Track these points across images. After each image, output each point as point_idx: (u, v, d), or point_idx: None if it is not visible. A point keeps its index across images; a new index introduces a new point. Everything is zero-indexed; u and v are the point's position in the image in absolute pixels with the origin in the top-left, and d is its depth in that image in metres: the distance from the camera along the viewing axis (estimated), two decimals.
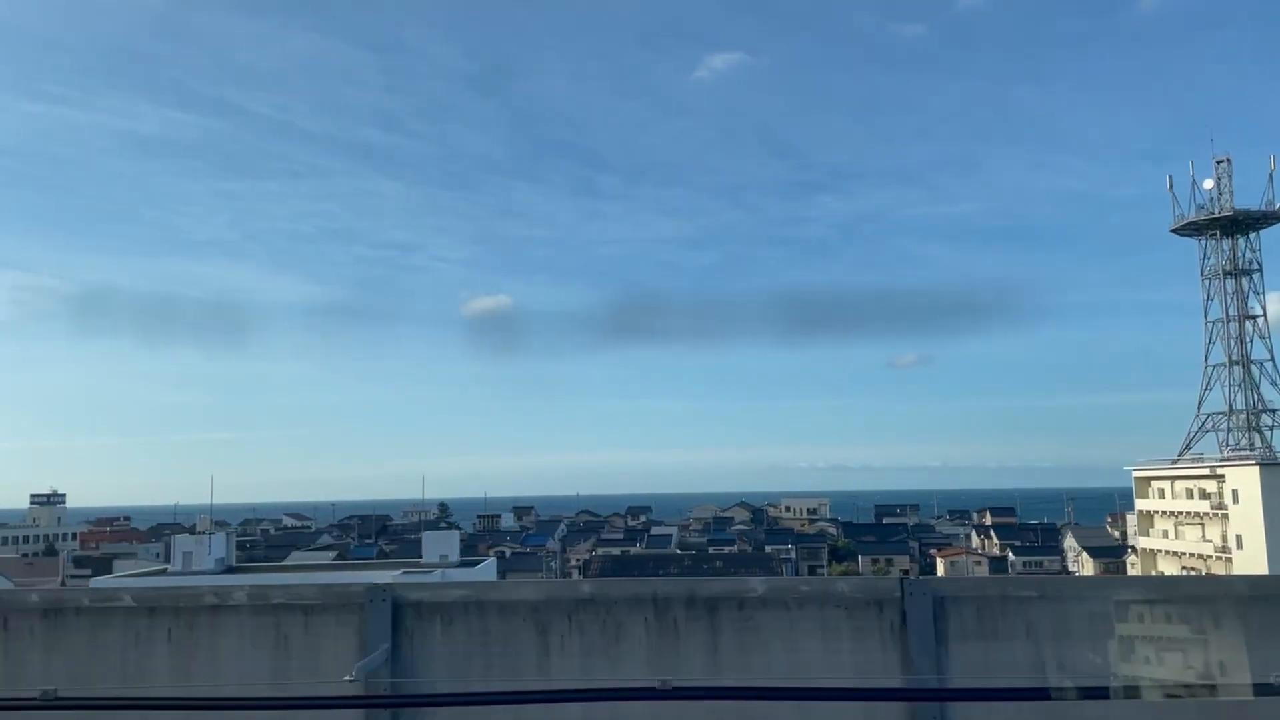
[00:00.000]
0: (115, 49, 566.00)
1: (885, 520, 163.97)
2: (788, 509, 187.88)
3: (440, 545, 60.51)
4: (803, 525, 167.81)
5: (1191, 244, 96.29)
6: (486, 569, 56.63)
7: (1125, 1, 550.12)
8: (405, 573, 51.08)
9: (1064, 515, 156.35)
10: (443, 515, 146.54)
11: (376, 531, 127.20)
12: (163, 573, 57.97)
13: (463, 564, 59.04)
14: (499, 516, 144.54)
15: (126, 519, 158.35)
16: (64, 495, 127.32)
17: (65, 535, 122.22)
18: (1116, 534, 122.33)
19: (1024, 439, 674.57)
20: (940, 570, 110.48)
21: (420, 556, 62.13)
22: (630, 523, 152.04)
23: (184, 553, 57.88)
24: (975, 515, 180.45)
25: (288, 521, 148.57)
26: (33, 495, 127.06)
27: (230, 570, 56.81)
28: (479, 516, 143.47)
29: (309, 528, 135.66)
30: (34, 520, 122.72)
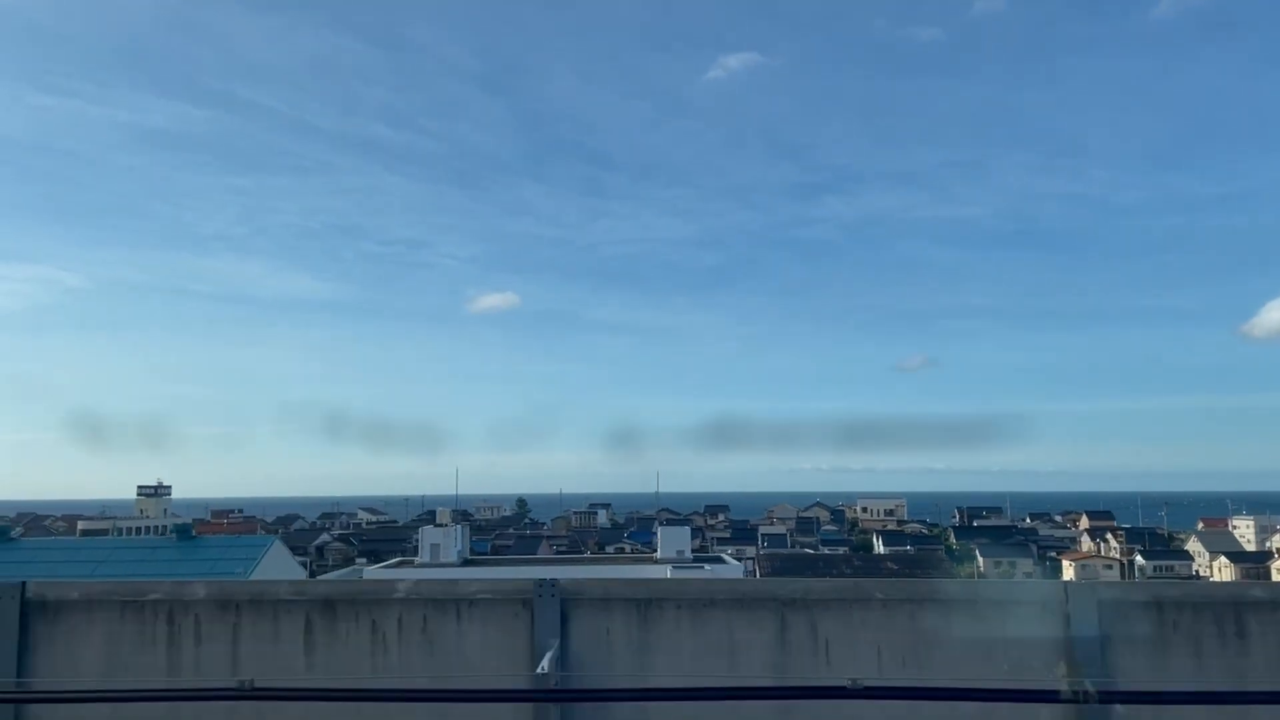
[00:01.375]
0: (125, 43, 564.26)
1: (975, 523, 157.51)
2: (864, 509, 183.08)
3: (674, 541, 59.12)
4: (886, 526, 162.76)
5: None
6: (732, 569, 51.07)
7: (1137, 6, 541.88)
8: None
9: (1145, 519, 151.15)
10: (522, 511, 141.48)
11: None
12: (410, 564, 57.19)
13: (697, 560, 55.06)
14: (595, 513, 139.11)
15: (240, 511, 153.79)
16: (170, 487, 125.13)
17: (158, 527, 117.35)
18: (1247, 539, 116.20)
19: (1029, 442, 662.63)
20: (1068, 574, 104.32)
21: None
22: (710, 521, 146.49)
23: (432, 544, 58.14)
24: (1059, 518, 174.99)
25: (363, 516, 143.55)
26: (140, 487, 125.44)
27: (467, 563, 56.19)
28: (574, 513, 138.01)
29: (395, 522, 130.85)
30: (141, 512, 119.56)
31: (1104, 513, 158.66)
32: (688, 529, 66.84)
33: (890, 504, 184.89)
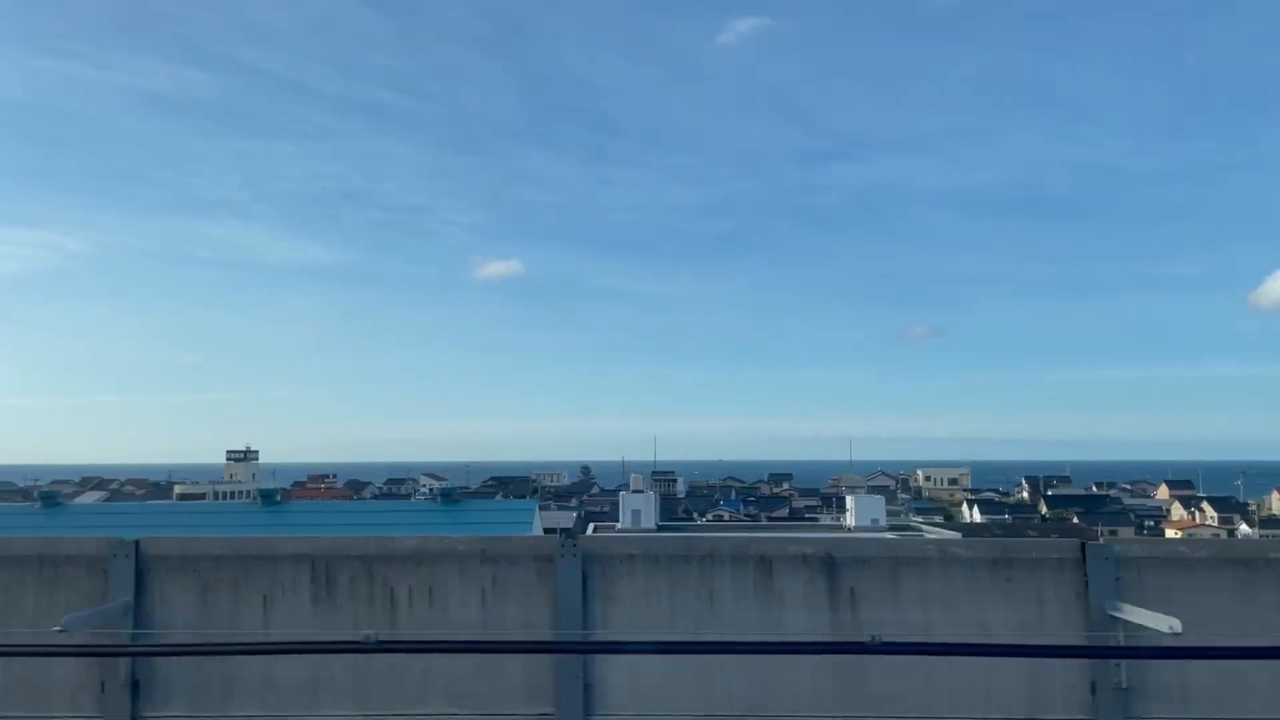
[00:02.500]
0: (125, 5, 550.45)
1: (1049, 491, 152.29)
2: (927, 478, 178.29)
3: (869, 509, 57.82)
4: (954, 495, 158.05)
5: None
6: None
7: None
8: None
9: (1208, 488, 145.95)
10: (588, 479, 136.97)
11: (530, 494, 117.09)
12: (612, 529, 55.65)
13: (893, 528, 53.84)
14: (675, 480, 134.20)
15: (334, 476, 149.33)
16: (257, 452, 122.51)
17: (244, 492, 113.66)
18: None
19: (1033, 411, 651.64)
20: None
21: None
22: (774, 490, 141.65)
23: (633, 510, 58.29)
24: (1128, 486, 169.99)
25: (426, 481, 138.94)
26: (229, 452, 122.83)
27: (659, 529, 55.50)
28: (654, 477, 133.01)
29: (467, 488, 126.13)
30: (231, 476, 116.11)
31: (1184, 482, 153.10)
32: (881, 498, 63.49)
33: (954, 472, 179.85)
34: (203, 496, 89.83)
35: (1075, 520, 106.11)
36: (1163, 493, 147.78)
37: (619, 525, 56.81)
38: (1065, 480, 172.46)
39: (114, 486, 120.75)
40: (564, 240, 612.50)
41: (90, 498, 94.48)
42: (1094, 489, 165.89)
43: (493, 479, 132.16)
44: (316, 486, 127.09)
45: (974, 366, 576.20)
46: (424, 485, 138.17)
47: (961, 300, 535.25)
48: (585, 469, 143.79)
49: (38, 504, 34.86)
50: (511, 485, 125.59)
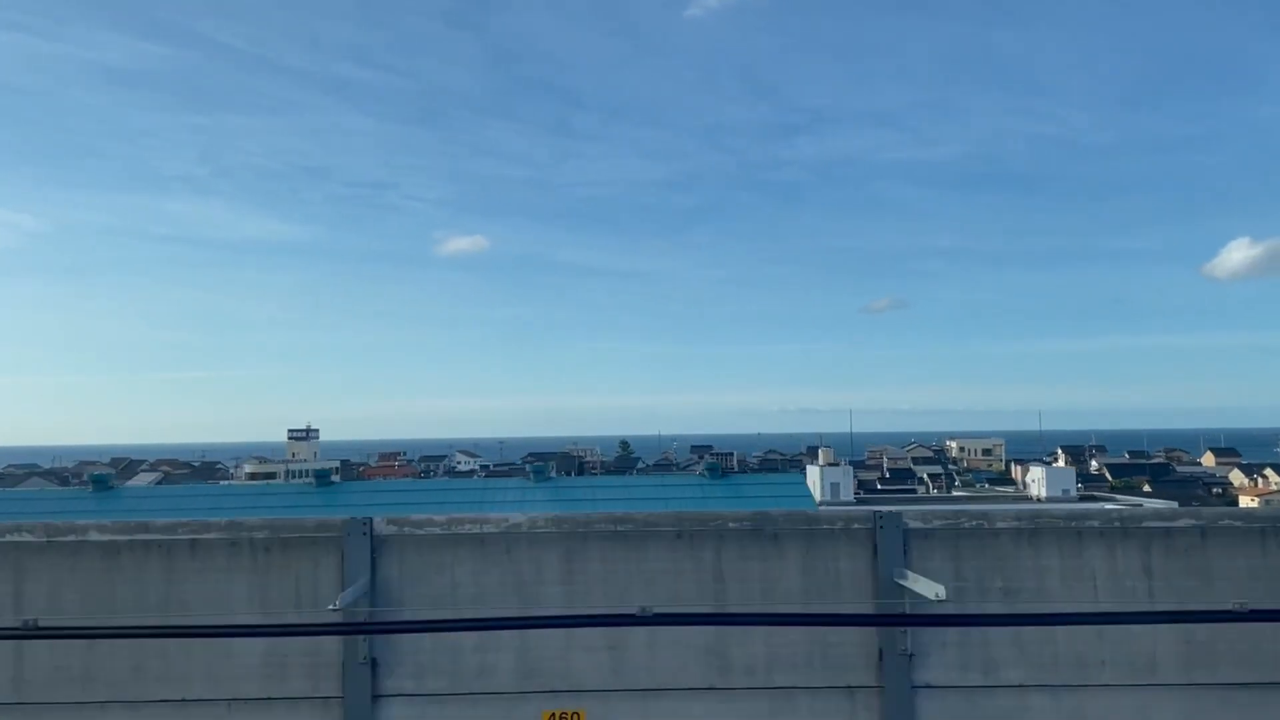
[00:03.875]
0: None
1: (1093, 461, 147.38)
2: (962, 449, 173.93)
3: (1059, 480, 58.11)
4: (991, 465, 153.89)
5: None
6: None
7: None
8: None
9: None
10: (626, 452, 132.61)
11: (576, 470, 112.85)
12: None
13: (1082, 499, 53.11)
14: (731, 454, 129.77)
15: (404, 454, 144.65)
16: (318, 430, 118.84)
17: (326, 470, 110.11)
18: None
19: (1004, 383, 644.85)
20: None
21: None
22: (808, 463, 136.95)
23: (831, 484, 59.10)
24: (1162, 453, 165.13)
25: (461, 459, 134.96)
26: (290, 430, 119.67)
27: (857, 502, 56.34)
28: (714, 453, 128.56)
29: (497, 466, 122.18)
30: (293, 455, 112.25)
31: (1229, 449, 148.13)
32: (1071, 469, 64.71)
33: (988, 443, 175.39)
34: (273, 476, 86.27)
35: (1148, 489, 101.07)
36: (1209, 460, 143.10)
37: (819, 498, 54.67)
38: (1101, 450, 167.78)
39: (144, 468, 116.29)
40: (529, 215, 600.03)
41: (144, 480, 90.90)
42: (1127, 456, 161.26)
43: (531, 455, 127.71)
44: (388, 465, 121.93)
45: (938, 339, 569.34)
46: (460, 462, 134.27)
47: (924, 273, 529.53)
48: (624, 444, 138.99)
49: (89, 487, 31.45)
50: (550, 461, 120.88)
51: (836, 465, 63.27)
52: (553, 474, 37.92)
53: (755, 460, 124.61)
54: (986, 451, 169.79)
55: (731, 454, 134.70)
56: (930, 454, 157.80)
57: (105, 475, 36.46)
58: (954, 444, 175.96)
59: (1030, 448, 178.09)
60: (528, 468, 39.11)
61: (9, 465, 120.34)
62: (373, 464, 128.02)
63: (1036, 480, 54.14)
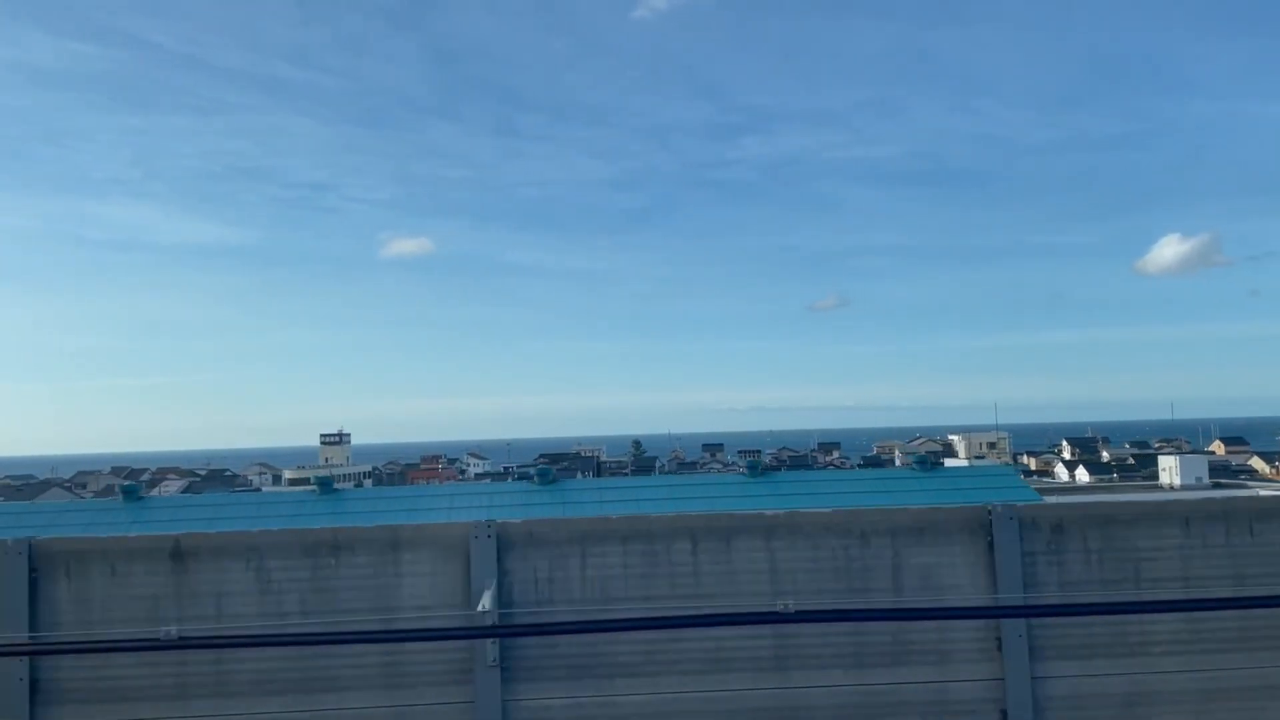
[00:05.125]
0: None
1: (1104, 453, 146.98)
2: (967, 443, 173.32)
3: (1193, 469, 57.38)
4: (1000, 459, 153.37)
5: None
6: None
7: None
8: None
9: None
10: (638, 452, 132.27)
11: (594, 470, 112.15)
12: None
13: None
14: (758, 451, 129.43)
15: (444, 455, 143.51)
16: (349, 434, 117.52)
17: (358, 474, 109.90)
18: None
19: (951, 378, 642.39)
20: None
21: None
22: (824, 459, 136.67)
23: (1196, 476, 56.62)
24: (1161, 443, 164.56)
25: (470, 460, 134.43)
26: (323, 435, 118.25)
27: None
28: (740, 452, 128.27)
29: (517, 466, 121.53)
30: (326, 460, 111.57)
31: (1237, 438, 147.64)
32: (1204, 458, 64.02)
33: (992, 437, 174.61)
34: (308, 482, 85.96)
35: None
36: (1219, 448, 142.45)
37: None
38: (1104, 440, 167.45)
39: (145, 477, 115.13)
40: (475, 216, 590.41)
41: (173, 488, 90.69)
42: (1127, 447, 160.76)
43: (543, 455, 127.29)
44: (431, 468, 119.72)
45: (880, 336, 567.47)
46: (471, 464, 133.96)
47: (868, 271, 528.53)
48: (636, 443, 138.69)
49: (118, 498, 30.53)
50: (564, 462, 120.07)
51: (1195, 455, 66.47)
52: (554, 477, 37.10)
53: (770, 458, 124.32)
54: (991, 445, 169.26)
55: (759, 451, 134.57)
56: (939, 448, 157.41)
57: (134, 485, 36.26)
58: (957, 438, 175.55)
59: (1026, 441, 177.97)
60: (531, 470, 38.07)
61: (6, 476, 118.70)
62: (410, 467, 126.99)
63: (1169, 469, 55.23)
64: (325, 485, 31.84)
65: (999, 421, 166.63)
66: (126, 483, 40.83)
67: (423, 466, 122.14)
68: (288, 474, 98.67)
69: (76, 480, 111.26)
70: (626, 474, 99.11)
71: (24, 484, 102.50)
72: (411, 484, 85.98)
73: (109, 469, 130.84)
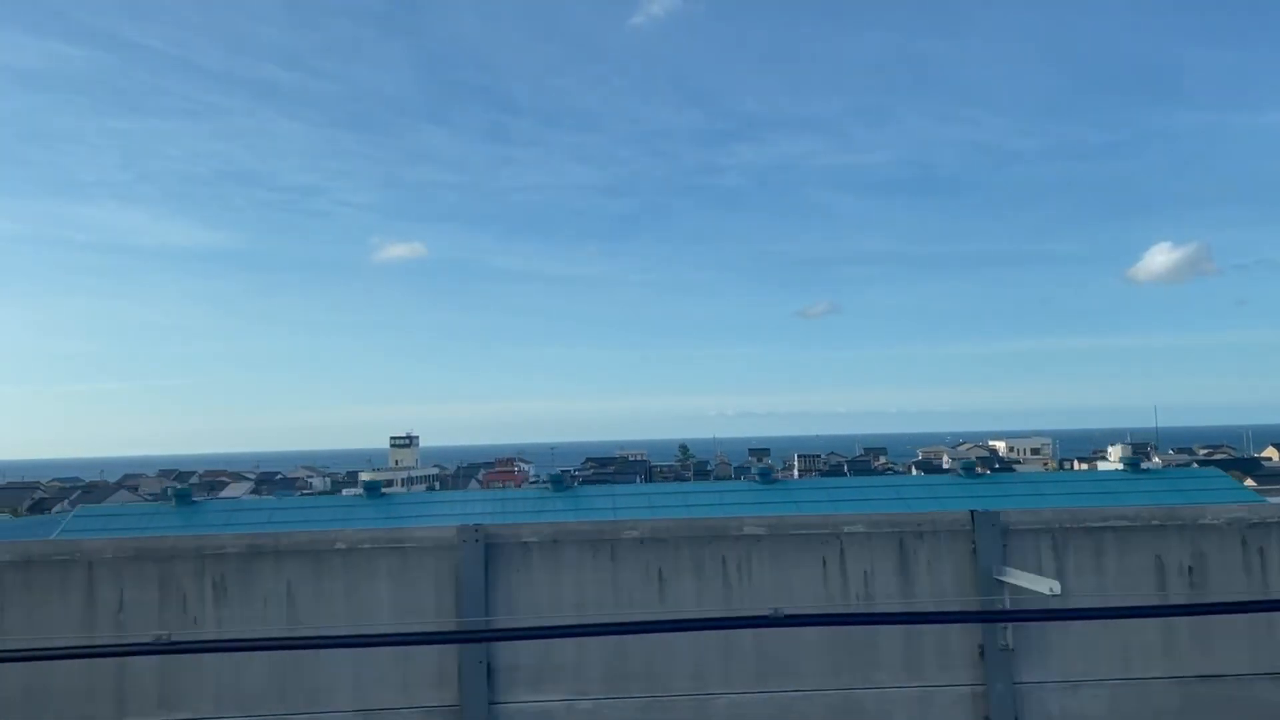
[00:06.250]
0: None
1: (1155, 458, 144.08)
2: (1011, 449, 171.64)
3: None
4: (1047, 464, 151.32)
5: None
6: None
7: None
8: None
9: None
10: (685, 455, 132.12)
11: (645, 475, 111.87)
12: None
13: None
14: (818, 456, 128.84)
15: (520, 457, 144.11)
16: (418, 436, 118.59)
17: (429, 477, 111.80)
18: None
19: (932, 384, 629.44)
20: None
21: None
22: (875, 463, 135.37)
23: None
24: (1219, 449, 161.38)
25: (517, 465, 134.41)
26: (393, 438, 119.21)
27: None
28: (799, 455, 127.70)
29: (568, 471, 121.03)
30: (396, 462, 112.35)
31: None
32: None
33: (1035, 442, 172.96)
34: (390, 484, 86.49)
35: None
36: (1272, 453, 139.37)
37: None
38: (1154, 447, 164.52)
39: (194, 480, 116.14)
40: (466, 221, 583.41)
41: (239, 490, 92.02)
42: (1172, 453, 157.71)
43: (590, 460, 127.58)
44: (507, 470, 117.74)
45: (869, 342, 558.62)
46: (518, 468, 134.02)
47: (857, 278, 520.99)
48: (683, 447, 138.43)
49: (171, 502, 30.55)
50: (611, 466, 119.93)
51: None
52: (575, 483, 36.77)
53: (823, 464, 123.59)
54: (1035, 451, 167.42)
55: (819, 455, 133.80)
56: (985, 453, 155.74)
57: (187, 490, 36.79)
58: (1001, 444, 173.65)
59: (1070, 447, 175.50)
60: (545, 476, 37.77)
61: (53, 479, 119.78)
62: (483, 467, 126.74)
63: None
64: (372, 490, 32.20)
65: (999, 428, 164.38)
66: (178, 485, 41.20)
67: (498, 469, 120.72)
68: (363, 476, 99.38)
69: (125, 483, 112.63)
70: (689, 478, 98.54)
71: (84, 487, 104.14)
72: (486, 487, 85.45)
73: (156, 472, 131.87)
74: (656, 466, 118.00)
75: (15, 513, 71.92)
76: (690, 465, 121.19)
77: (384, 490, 33.92)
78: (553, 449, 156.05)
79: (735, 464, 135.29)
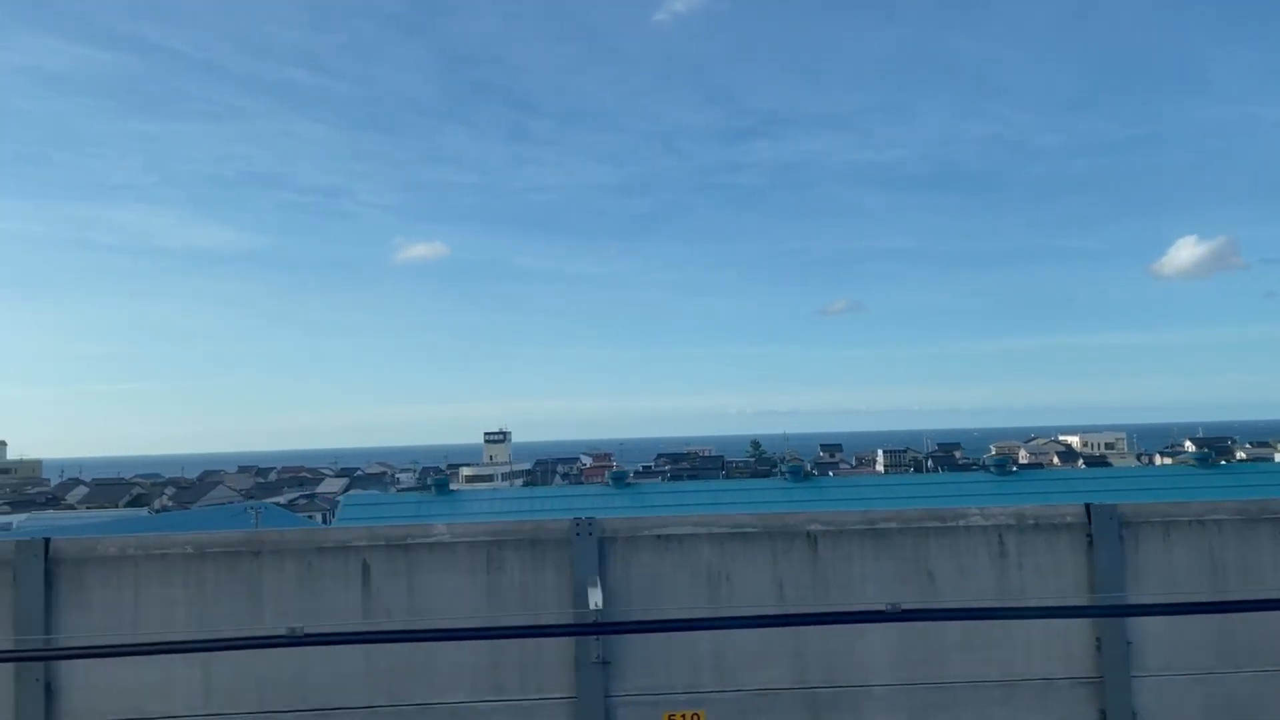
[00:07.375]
0: None
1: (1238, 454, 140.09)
2: (1085, 443, 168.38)
3: None
4: (1121, 460, 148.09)
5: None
6: None
7: None
8: None
9: None
10: (756, 452, 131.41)
11: (722, 470, 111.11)
12: None
13: None
14: (905, 450, 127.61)
15: (612, 454, 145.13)
16: (510, 432, 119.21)
17: (525, 471, 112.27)
18: None
19: (955, 380, 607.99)
20: None
21: None
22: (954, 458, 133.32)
23: None
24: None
25: (588, 461, 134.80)
26: (486, 434, 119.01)
27: None
28: (884, 451, 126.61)
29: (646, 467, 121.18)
30: (490, 458, 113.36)
31: None
32: None
33: (1109, 437, 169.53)
34: (491, 479, 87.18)
35: None
36: None
37: None
38: (1234, 441, 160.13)
39: (272, 477, 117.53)
40: (487, 220, 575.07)
41: (335, 486, 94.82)
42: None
43: (662, 455, 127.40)
44: (603, 466, 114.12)
45: (894, 340, 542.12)
46: (588, 462, 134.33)
47: (879, 275, 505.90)
48: (755, 444, 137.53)
49: (431, 492, 31.97)
50: (684, 462, 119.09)
51: None
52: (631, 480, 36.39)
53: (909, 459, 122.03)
54: (1109, 446, 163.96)
55: (907, 450, 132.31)
56: (1062, 449, 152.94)
57: (445, 479, 37.85)
58: (1075, 439, 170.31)
59: (1146, 442, 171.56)
60: (606, 475, 37.66)
61: (136, 475, 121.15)
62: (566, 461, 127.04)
63: None
64: (441, 486, 32.59)
65: (1015, 425, 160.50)
66: (351, 474, 41.89)
67: (593, 464, 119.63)
68: (465, 471, 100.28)
69: (208, 480, 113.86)
70: (770, 474, 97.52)
71: (179, 484, 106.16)
72: (585, 483, 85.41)
73: (236, 469, 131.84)
74: (733, 462, 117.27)
75: (116, 506, 73.99)
76: (752, 463, 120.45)
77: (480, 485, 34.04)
78: (621, 444, 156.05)
79: (807, 460, 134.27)
